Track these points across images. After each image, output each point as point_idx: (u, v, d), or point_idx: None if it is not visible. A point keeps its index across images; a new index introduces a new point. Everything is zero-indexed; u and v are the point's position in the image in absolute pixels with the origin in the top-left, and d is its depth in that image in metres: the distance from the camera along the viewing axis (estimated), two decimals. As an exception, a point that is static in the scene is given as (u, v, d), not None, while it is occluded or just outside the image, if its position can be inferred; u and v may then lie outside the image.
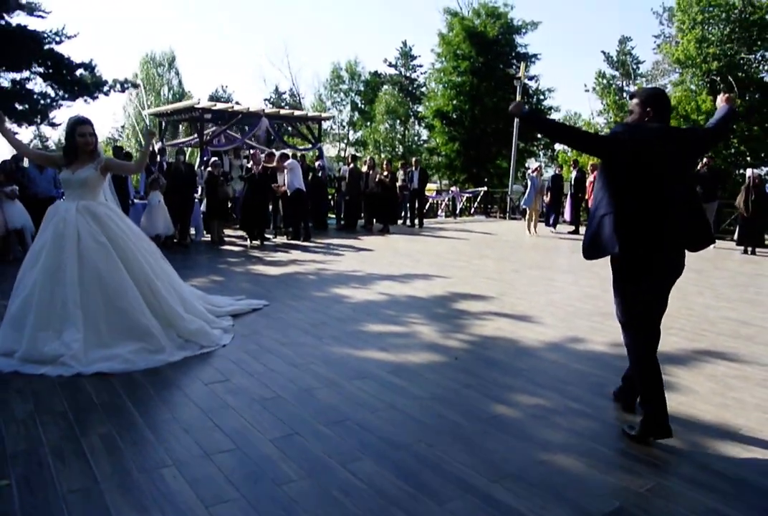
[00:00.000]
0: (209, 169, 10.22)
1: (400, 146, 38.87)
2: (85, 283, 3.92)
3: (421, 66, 40.52)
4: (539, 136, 27.01)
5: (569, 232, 13.62)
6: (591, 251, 2.96)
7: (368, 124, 39.28)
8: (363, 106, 40.20)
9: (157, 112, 16.55)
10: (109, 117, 75.81)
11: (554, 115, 28.65)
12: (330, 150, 37.97)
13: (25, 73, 14.23)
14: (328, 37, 67.90)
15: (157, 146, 16.02)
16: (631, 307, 2.96)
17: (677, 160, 2.88)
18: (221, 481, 2.44)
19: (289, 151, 12.41)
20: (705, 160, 11.46)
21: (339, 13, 68.76)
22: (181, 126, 24.36)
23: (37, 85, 14.50)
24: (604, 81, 26.10)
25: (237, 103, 28.67)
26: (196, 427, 2.95)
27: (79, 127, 4.12)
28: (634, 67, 38.03)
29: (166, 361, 3.89)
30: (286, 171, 10.60)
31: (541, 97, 27.19)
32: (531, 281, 7.35)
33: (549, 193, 13.43)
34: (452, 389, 3.54)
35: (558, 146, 31.04)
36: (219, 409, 3.18)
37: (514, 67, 26.09)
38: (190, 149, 17.01)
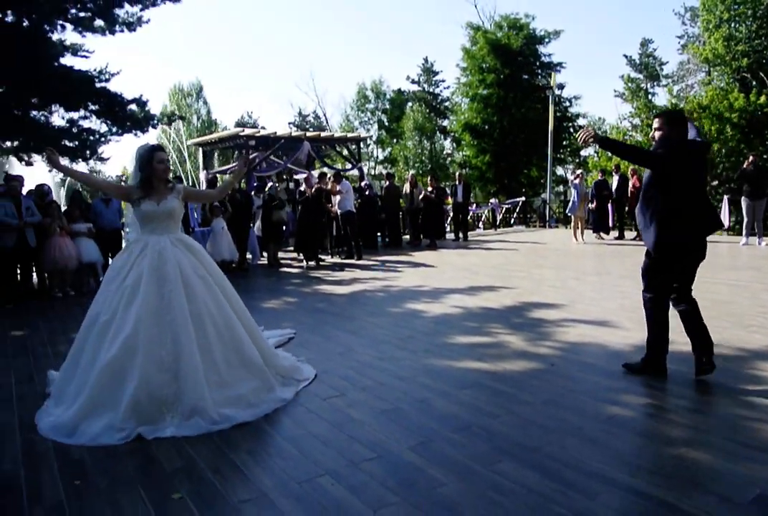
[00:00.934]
0: (269, 193, 10.61)
1: (428, 161, 39.23)
2: (194, 318, 3.65)
3: (443, 81, 41.03)
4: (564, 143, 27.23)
5: (615, 238, 13.64)
6: (648, 237, 3.75)
7: (395, 141, 39.78)
8: (389, 123, 40.76)
9: (201, 141, 17.16)
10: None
11: (581, 122, 28.76)
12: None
13: (81, 112, 14.98)
14: (352, 58, 69.49)
15: (202, 175, 16.65)
16: (661, 280, 3.80)
17: (700, 167, 3.80)
18: (377, 487, 2.64)
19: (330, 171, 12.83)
20: (750, 158, 11.40)
21: (361, 34, 70.46)
22: (216, 154, 25.06)
23: (92, 122, 15.26)
24: (633, 85, 26.06)
25: (263, 128, 29.40)
26: (332, 440, 3.16)
27: (157, 153, 3.85)
28: (658, 69, 37.94)
29: (285, 400, 3.74)
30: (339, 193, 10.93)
31: (567, 104, 27.29)
32: (595, 288, 7.46)
33: (594, 200, 13.47)
34: (560, 394, 3.70)
35: (584, 152, 31.13)
36: (347, 423, 3.38)
37: (539, 76, 26.31)
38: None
